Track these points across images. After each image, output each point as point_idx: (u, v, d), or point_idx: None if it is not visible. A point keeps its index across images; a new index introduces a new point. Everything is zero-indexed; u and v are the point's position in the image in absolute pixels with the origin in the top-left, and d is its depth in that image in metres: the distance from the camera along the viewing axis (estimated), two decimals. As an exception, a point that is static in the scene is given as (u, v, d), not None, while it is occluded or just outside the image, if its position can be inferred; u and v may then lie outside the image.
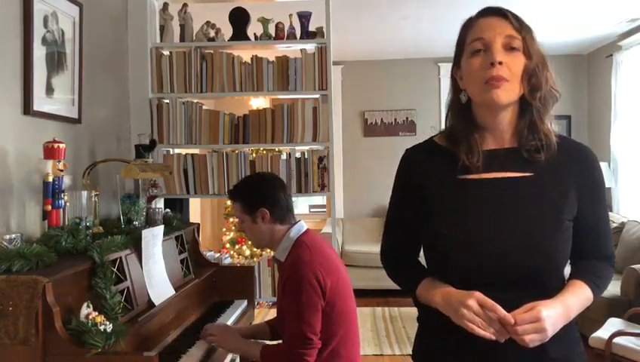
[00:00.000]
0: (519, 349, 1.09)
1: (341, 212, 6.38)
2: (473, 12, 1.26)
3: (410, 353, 1.39)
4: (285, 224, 2.05)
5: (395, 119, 6.42)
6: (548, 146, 1.20)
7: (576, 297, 1.17)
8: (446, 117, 1.30)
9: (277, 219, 2.03)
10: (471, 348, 1.14)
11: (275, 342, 2.11)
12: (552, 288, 1.16)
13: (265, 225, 2.03)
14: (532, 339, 1.07)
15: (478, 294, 1.10)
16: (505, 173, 1.20)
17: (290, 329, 1.86)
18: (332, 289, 1.88)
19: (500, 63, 1.15)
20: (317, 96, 3.05)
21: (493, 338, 1.08)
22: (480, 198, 1.19)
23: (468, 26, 1.24)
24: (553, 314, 1.09)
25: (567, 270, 1.25)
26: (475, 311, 1.09)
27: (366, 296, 5.33)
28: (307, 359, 1.83)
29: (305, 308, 1.84)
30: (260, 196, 2.04)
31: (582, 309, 1.18)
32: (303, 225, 2.06)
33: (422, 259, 1.34)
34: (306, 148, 3.21)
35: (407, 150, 1.34)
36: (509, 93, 1.16)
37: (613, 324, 3.38)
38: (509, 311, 1.08)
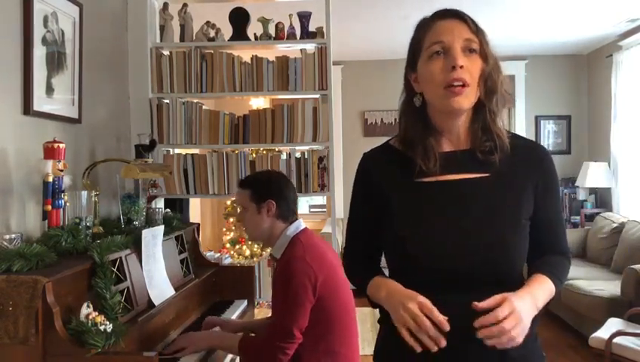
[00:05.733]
0: (480, 349, 1.07)
1: (341, 212, 6.37)
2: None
3: None
4: (286, 222, 2.07)
5: (395, 119, 6.38)
6: (501, 147, 1.21)
7: (542, 288, 1.17)
8: (399, 120, 1.31)
9: (280, 215, 2.05)
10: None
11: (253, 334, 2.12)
12: (512, 288, 1.15)
13: (268, 218, 2.05)
14: (516, 334, 1.05)
15: (421, 298, 1.09)
16: (462, 175, 1.21)
17: (275, 321, 1.88)
18: (323, 284, 1.89)
19: (462, 67, 1.15)
20: (317, 96, 3.05)
21: (419, 349, 1.06)
22: (438, 200, 1.20)
23: (424, 28, 1.22)
24: (523, 305, 1.08)
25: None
26: (411, 314, 1.08)
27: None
28: (287, 352, 1.84)
29: (292, 303, 1.85)
30: (272, 188, 2.08)
31: (547, 301, 1.19)
32: (300, 224, 2.09)
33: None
34: (306, 148, 3.20)
35: (364, 154, 1.35)
36: (469, 98, 1.18)
37: (613, 324, 3.38)
38: (470, 311, 1.06)
